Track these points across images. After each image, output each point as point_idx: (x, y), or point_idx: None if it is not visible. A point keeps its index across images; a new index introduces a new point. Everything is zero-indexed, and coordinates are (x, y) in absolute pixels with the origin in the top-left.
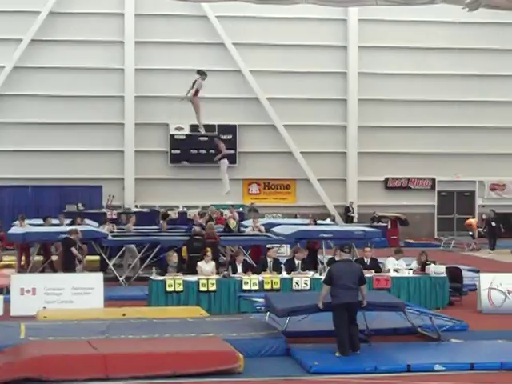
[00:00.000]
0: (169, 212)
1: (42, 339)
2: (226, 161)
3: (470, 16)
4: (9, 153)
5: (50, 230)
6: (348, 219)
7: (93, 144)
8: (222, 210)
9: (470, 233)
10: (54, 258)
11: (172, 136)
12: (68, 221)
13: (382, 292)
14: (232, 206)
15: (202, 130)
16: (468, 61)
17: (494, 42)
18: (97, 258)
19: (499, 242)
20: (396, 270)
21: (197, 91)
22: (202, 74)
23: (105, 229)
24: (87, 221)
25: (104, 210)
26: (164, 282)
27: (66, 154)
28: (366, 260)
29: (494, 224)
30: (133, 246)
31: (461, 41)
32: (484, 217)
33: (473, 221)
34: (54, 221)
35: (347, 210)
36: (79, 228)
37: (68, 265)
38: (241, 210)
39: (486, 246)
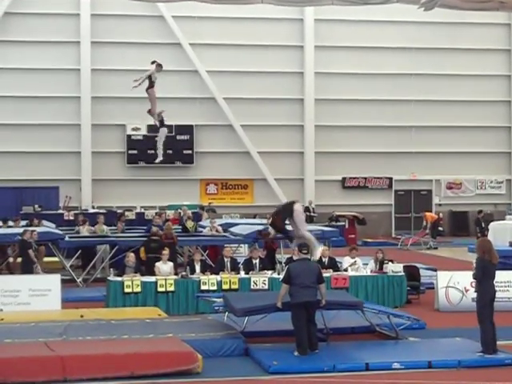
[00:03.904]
0: (126, 213)
1: None
2: (165, 129)
3: (425, 16)
4: None
5: (6, 231)
6: (308, 219)
7: (49, 145)
8: (180, 210)
9: (424, 223)
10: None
11: (129, 136)
12: (24, 222)
13: (340, 291)
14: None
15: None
16: (424, 60)
17: (451, 41)
18: (57, 259)
19: (456, 240)
20: (353, 265)
21: (152, 83)
22: (158, 65)
23: (84, 229)
24: (45, 222)
25: (61, 211)
26: (122, 282)
27: (23, 155)
28: (324, 259)
29: (483, 225)
30: (107, 247)
31: (417, 40)
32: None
33: (428, 215)
34: (11, 223)
35: (307, 209)
36: (36, 229)
37: (26, 267)
38: (197, 210)
39: (442, 245)
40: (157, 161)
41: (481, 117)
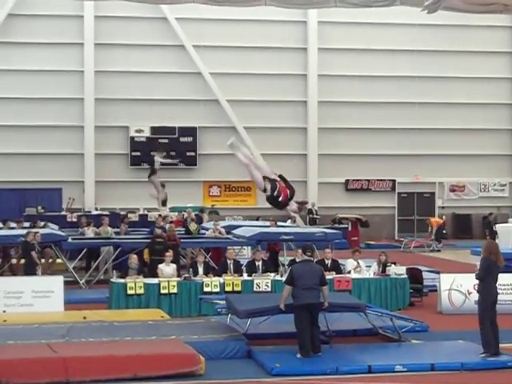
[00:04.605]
0: (129, 214)
1: (2, 343)
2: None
3: (429, 18)
4: None
5: (9, 233)
6: (311, 221)
7: (53, 146)
8: (184, 212)
9: (429, 229)
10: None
11: (132, 138)
12: (27, 224)
13: (343, 293)
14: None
15: (162, 212)
16: (427, 63)
17: (454, 44)
18: (60, 260)
19: (459, 243)
20: (356, 267)
21: (154, 170)
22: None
23: (90, 231)
24: (49, 224)
25: (64, 213)
26: (125, 284)
27: (26, 156)
28: (326, 261)
29: (494, 228)
30: (110, 249)
31: (420, 43)
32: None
33: (433, 220)
34: (13, 224)
35: (310, 211)
36: (40, 231)
37: (28, 268)
38: (197, 212)
39: (446, 248)
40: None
41: (484, 119)
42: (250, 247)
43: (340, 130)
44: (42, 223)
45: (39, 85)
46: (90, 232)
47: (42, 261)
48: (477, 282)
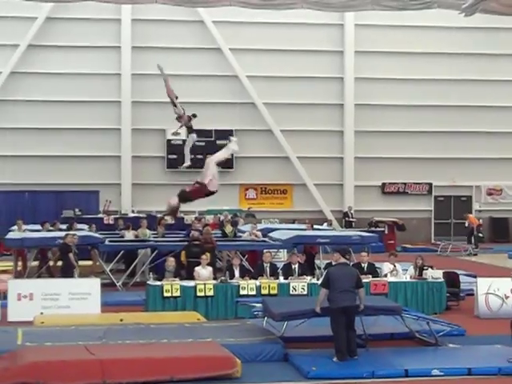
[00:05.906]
0: (166, 217)
1: (40, 345)
2: (193, 136)
3: (466, 21)
4: (6, 158)
5: (47, 235)
6: (347, 224)
7: (90, 149)
8: (220, 215)
9: (466, 224)
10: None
11: (169, 141)
12: (64, 226)
13: (379, 297)
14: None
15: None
16: (465, 65)
17: (491, 46)
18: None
19: (496, 247)
20: (392, 271)
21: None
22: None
23: (130, 234)
24: (83, 226)
25: (101, 215)
26: (161, 287)
27: (63, 159)
28: (363, 265)
29: None
30: (147, 251)
31: (457, 46)
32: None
33: (471, 217)
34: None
35: (346, 215)
36: (77, 233)
37: (66, 270)
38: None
39: (482, 252)
40: (185, 165)
41: None
42: (286, 250)
43: (376, 133)
44: (87, 226)
45: (76, 88)
46: (130, 235)
47: (86, 263)
48: None
